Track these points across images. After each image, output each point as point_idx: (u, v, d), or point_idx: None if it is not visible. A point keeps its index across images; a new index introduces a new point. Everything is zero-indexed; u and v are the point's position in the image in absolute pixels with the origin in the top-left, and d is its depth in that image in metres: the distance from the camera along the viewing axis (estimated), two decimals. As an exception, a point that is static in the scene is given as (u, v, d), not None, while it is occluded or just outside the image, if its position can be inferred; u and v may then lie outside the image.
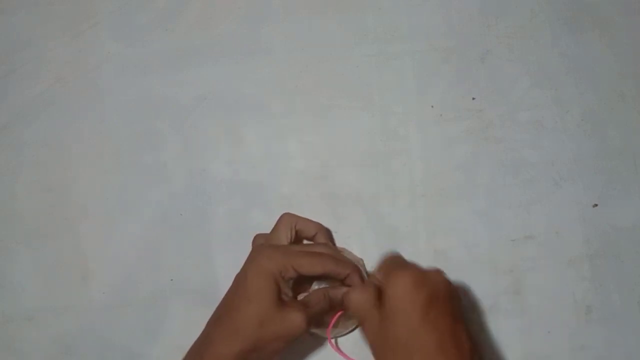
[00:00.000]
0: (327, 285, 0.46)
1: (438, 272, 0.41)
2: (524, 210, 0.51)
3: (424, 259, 0.50)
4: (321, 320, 0.45)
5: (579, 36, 0.55)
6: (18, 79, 0.55)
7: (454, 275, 0.49)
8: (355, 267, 0.45)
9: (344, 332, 0.47)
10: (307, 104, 0.54)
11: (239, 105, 0.54)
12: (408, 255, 0.50)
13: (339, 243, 0.50)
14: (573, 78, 0.54)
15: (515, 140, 0.53)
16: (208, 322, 0.42)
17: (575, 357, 0.48)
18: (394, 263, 0.43)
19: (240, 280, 0.43)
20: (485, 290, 0.49)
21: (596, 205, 0.51)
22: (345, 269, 0.44)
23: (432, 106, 0.54)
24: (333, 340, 0.46)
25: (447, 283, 0.41)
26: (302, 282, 0.45)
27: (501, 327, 0.48)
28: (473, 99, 0.54)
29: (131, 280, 0.50)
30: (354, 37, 0.56)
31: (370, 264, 0.49)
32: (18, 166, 0.53)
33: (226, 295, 0.43)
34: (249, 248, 0.51)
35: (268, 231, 0.48)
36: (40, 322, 0.49)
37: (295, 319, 0.40)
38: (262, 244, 0.46)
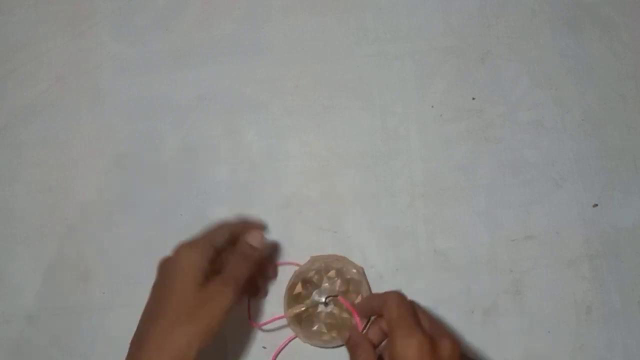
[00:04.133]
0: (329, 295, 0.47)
1: (450, 341, 0.37)
2: (524, 210, 0.51)
3: (424, 259, 0.50)
4: (254, 284, 0.47)
5: (579, 36, 0.55)
6: (18, 79, 0.55)
7: (454, 275, 0.49)
8: (254, 221, 0.49)
9: (323, 345, 0.47)
10: (307, 104, 0.54)
11: (239, 105, 0.54)
12: (408, 255, 0.50)
13: (339, 243, 0.50)
14: (573, 78, 0.54)
15: (515, 140, 0.53)
16: (140, 323, 0.40)
17: (575, 357, 0.48)
18: (403, 319, 0.38)
19: (164, 273, 0.42)
20: (485, 290, 0.49)
21: (596, 205, 0.51)
22: (246, 224, 0.46)
23: (432, 106, 0.54)
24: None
25: (458, 356, 0.37)
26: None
27: (501, 327, 0.48)
28: (473, 99, 0.54)
29: (131, 280, 0.50)
30: (354, 37, 0.56)
31: (371, 264, 0.49)
32: (18, 166, 0.53)
33: (152, 292, 0.42)
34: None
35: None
36: (40, 322, 0.49)
37: (218, 290, 0.39)
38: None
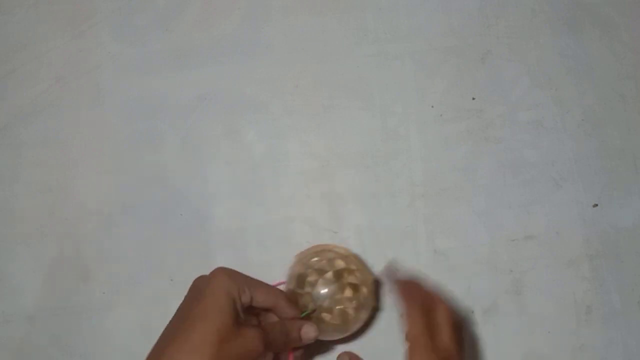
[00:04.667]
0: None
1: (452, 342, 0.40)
2: (524, 210, 0.51)
3: (424, 259, 0.50)
4: (278, 354, 0.42)
5: (579, 36, 0.55)
6: (18, 79, 0.55)
7: (454, 275, 0.49)
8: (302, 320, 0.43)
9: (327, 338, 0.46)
10: (307, 104, 0.54)
11: (239, 105, 0.54)
12: (408, 255, 0.50)
13: (339, 243, 0.50)
14: (573, 78, 0.54)
15: (515, 140, 0.53)
16: (160, 338, 0.39)
17: (575, 357, 0.48)
18: (417, 309, 0.41)
19: (196, 295, 0.39)
20: (485, 290, 0.49)
21: (596, 205, 0.51)
22: (292, 312, 0.42)
23: (432, 106, 0.54)
24: None
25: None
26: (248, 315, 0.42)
27: (501, 327, 0.48)
28: (473, 99, 0.54)
29: (131, 280, 0.50)
30: (354, 37, 0.56)
31: (371, 264, 0.49)
32: (18, 166, 0.53)
33: (180, 310, 0.40)
34: (248, 248, 0.51)
35: (267, 233, 0.48)
36: (40, 322, 0.49)
37: (253, 339, 0.38)
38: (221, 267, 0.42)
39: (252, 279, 0.41)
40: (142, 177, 0.53)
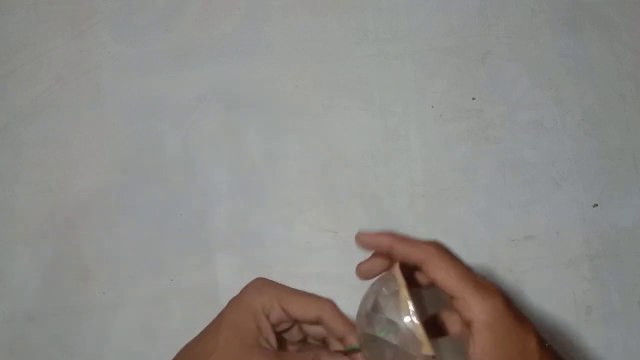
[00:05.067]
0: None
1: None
2: (524, 210, 0.51)
3: (424, 259, 0.50)
4: None
5: (579, 36, 0.55)
6: (18, 79, 0.55)
7: (454, 275, 0.49)
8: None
9: None
10: (307, 104, 0.54)
11: (239, 105, 0.54)
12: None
13: (339, 243, 0.50)
14: (573, 78, 0.54)
15: (515, 140, 0.53)
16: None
17: (575, 357, 0.48)
18: (466, 278, 0.34)
19: (217, 321, 0.35)
20: (485, 290, 0.49)
21: (596, 205, 0.51)
22: (345, 328, 0.35)
23: (432, 106, 0.54)
24: None
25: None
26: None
27: (501, 327, 0.48)
28: (473, 99, 0.54)
29: (131, 280, 0.50)
30: (354, 37, 0.56)
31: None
32: (18, 166, 0.53)
33: (199, 338, 0.35)
34: (248, 248, 0.51)
35: (267, 233, 0.48)
36: (40, 322, 0.49)
37: None
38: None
39: (288, 290, 0.35)
40: (142, 177, 0.52)
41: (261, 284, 0.35)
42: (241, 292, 0.35)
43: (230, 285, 0.49)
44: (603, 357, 0.48)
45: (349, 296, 0.50)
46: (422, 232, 0.50)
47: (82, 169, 0.53)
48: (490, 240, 0.50)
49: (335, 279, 0.50)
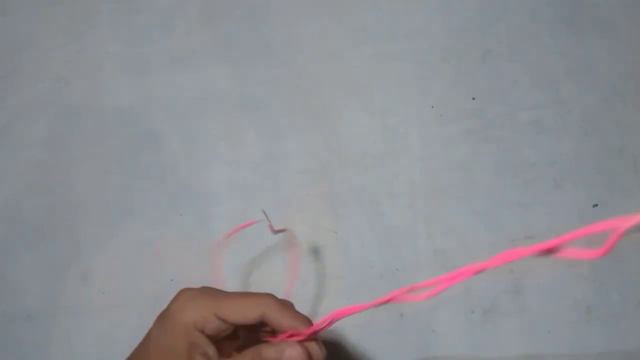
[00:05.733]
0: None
1: None
2: (524, 210, 0.51)
3: (424, 259, 0.50)
4: None
5: (579, 36, 0.55)
6: (18, 79, 0.55)
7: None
8: (309, 321, 0.33)
9: None
10: (307, 104, 0.54)
11: (239, 105, 0.54)
12: (408, 255, 0.50)
13: (339, 243, 0.50)
14: (573, 78, 0.54)
15: (515, 140, 0.53)
16: None
17: (575, 357, 0.48)
18: None
19: (144, 340, 0.33)
20: (485, 290, 0.49)
21: (596, 205, 0.51)
22: (292, 320, 0.32)
23: (432, 106, 0.54)
24: None
25: None
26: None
27: (501, 327, 0.48)
28: (473, 99, 0.54)
29: (131, 280, 0.50)
30: (354, 37, 0.56)
31: (371, 264, 0.49)
32: (18, 166, 0.53)
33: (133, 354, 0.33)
34: (248, 248, 0.51)
35: (267, 233, 0.48)
36: (40, 322, 0.49)
37: None
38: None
39: (220, 296, 0.33)
40: (142, 177, 0.53)
41: (188, 296, 0.32)
42: (168, 309, 0.32)
43: (231, 286, 0.49)
44: (603, 357, 0.48)
45: (349, 296, 0.50)
46: (422, 232, 0.50)
47: (82, 169, 0.53)
48: (490, 240, 0.50)
49: (336, 279, 0.50)
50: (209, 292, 0.33)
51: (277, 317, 0.32)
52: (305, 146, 0.53)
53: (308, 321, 0.33)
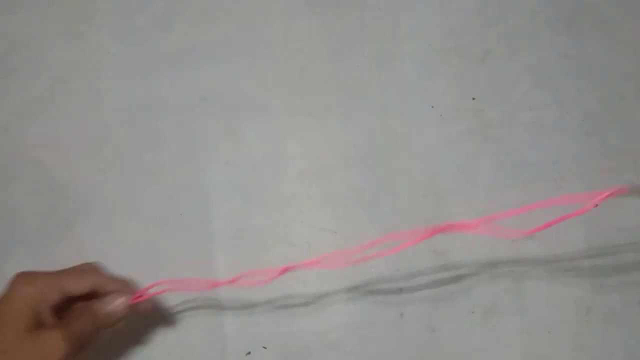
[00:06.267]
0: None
1: None
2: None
3: (424, 259, 0.50)
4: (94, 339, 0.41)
5: (579, 36, 0.55)
6: (18, 79, 0.55)
7: (454, 275, 0.49)
8: (128, 284, 0.44)
9: None
10: (307, 104, 0.54)
11: (239, 105, 0.54)
12: (408, 255, 0.50)
13: (339, 243, 0.50)
14: (573, 78, 0.54)
15: (515, 140, 0.53)
16: None
17: (575, 357, 0.48)
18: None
19: None
20: (485, 290, 0.49)
21: (596, 205, 0.51)
22: (115, 284, 0.42)
23: (432, 106, 0.54)
24: None
25: None
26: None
27: (501, 327, 0.48)
28: (473, 99, 0.54)
29: (131, 280, 0.50)
30: (354, 37, 0.56)
31: (371, 264, 0.49)
32: (18, 166, 0.53)
33: None
34: (249, 248, 0.51)
35: (267, 233, 0.48)
36: (40, 322, 0.49)
37: (53, 340, 0.36)
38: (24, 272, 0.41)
39: (57, 272, 0.41)
40: (142, 177, 0.53)
41: (28, 276, 0.39)
42: (10, 289, 0.38)
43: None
44: (603, 357, 0.48)
45: (348, 296, 0.50)
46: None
47: (82, 169, 0.53)
48: (490, 240, 0.50)
49: (336, 279, 0.50)
50: (45, 273, 0.40)
51: (105, 283, 0.41)
52: (305, 146, 0.53)
53: (132, 284, 0.43)
